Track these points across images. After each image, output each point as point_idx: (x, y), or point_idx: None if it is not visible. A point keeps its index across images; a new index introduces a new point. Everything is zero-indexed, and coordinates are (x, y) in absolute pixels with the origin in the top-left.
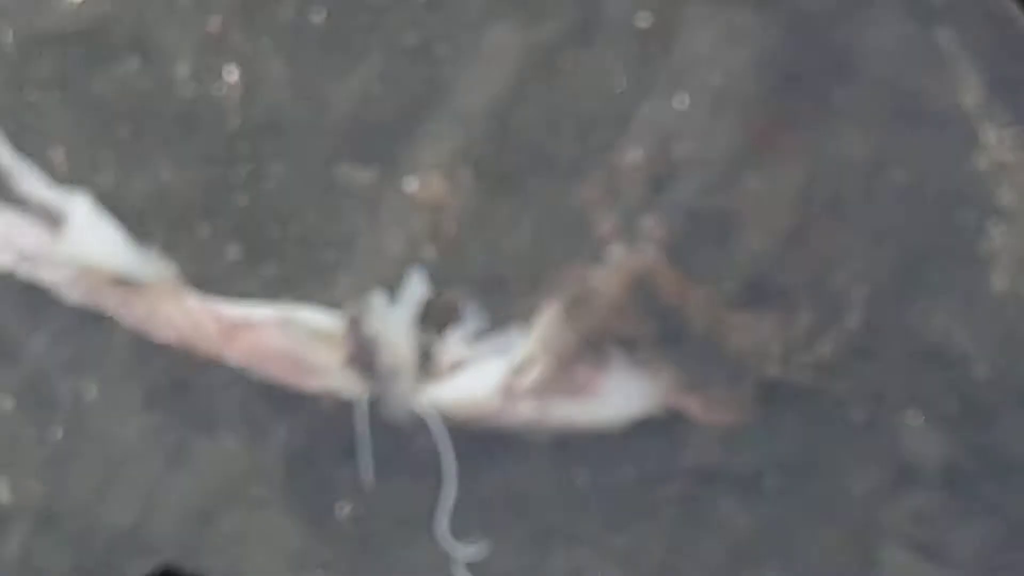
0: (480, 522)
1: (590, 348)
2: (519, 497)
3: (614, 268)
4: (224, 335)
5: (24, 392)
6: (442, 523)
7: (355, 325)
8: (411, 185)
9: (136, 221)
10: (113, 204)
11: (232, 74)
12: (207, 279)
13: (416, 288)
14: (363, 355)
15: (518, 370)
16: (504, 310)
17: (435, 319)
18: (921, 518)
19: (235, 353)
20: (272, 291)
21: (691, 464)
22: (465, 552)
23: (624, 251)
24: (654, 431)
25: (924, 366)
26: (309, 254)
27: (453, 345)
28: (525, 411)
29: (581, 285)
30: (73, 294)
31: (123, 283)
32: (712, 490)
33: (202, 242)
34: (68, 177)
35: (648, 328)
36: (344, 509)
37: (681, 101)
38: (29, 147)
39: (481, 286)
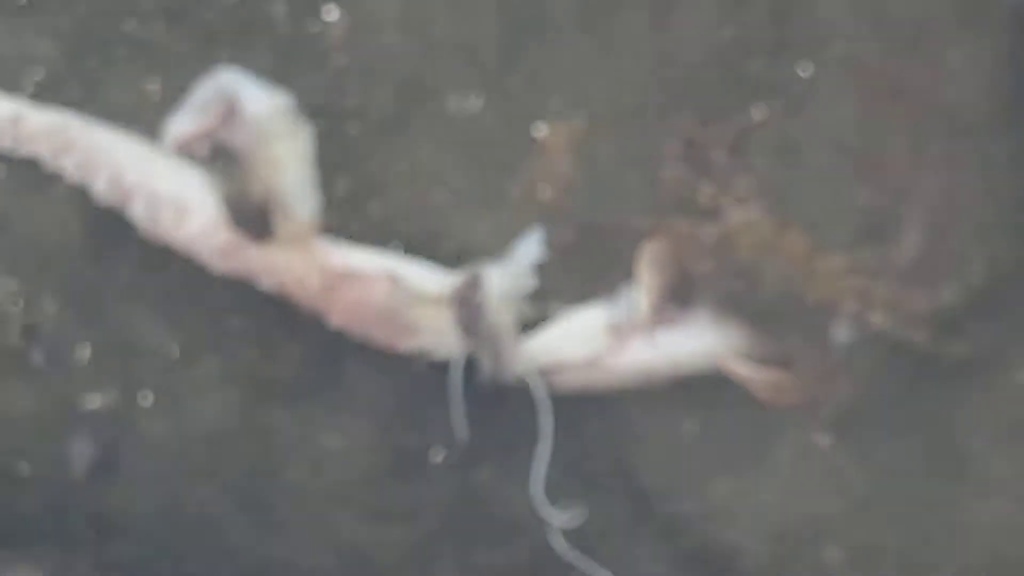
0: (578, 479)
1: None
2: (618, 452)
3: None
4: (327, 289)
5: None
6: (538, 487)
7: (467, 290)
8: (540, 130)
9: None
10: None
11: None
12: None
13: (531, 250)
14: (469, 317)
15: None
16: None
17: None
18: None
19: (336, 309)
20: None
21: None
22: (561, 518)
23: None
24: None
25: None
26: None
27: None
28: (635, 351)
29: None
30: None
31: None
32: (821, 444)
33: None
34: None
35: (723, 286)
36: (439, 455)
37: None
38: (124, 77)
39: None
